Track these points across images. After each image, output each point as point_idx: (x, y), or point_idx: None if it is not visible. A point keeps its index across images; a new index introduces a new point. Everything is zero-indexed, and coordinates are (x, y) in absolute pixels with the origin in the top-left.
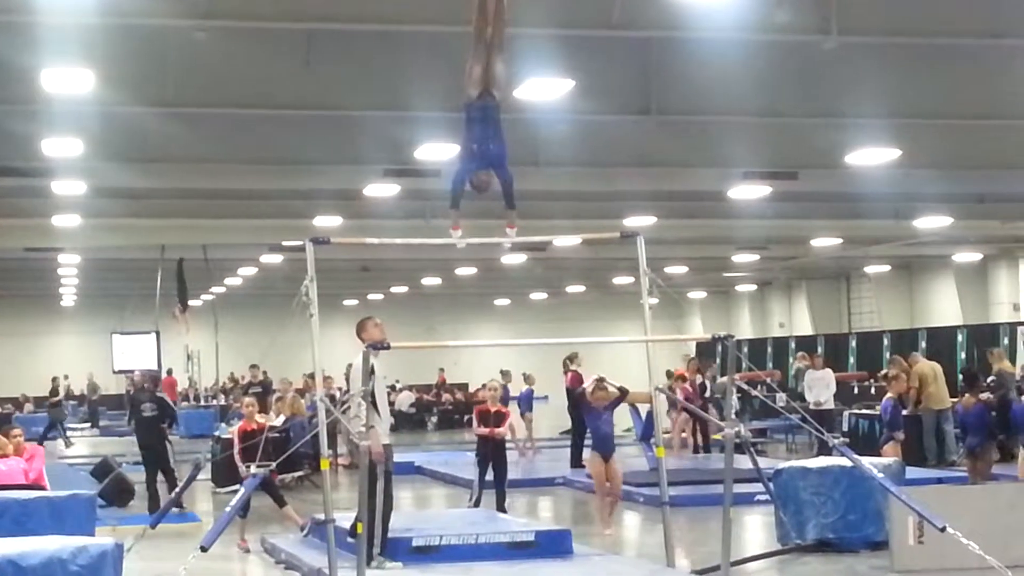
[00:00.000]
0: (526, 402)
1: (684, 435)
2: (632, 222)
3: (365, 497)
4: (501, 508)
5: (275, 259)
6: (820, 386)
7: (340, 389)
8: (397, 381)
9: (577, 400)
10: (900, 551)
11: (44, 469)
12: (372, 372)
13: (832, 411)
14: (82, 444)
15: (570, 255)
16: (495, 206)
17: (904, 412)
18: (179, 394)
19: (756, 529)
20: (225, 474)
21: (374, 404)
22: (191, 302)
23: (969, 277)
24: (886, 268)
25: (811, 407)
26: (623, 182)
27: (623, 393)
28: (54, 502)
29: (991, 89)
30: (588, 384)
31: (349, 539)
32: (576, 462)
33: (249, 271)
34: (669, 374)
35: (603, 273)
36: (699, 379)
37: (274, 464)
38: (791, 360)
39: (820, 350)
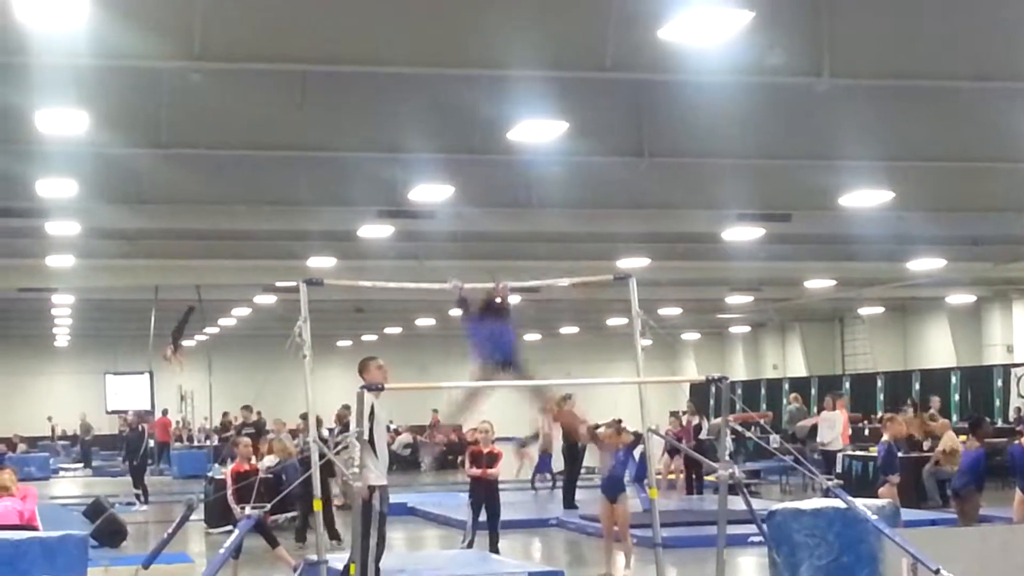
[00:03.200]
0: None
1: (671, 477)
2: (625, 264)
3: (359, 538)
4: (494, 549)
5: (269, 300)
6: (825, 427)
7: (330, 430)
8: (392, 422)
9: (589, 439)
10: None
11: (36, 509)
12: (372, 413)
13: (837, 452)
14: (74, 484)
15: (563, 297)
16: (489, 249)
17: (899, 454)
18: (172, 434)
19: (750, 571)
20: (218, 515)
21: (372, 445)
22: (184, 342)
23: (963, 319)
24: (880, 310)
25: (819, 447)
26: (616, 224)
27: (638, 438)
28: (46, 542)
29: (984, 131)
30: (603, 426)
31: None
32: (569, 503)
33: (243, 312)
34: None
35: (596, 315)
36: (694, 421)
37: (268, 506)
38: (785, 401)
39: (814, 392)
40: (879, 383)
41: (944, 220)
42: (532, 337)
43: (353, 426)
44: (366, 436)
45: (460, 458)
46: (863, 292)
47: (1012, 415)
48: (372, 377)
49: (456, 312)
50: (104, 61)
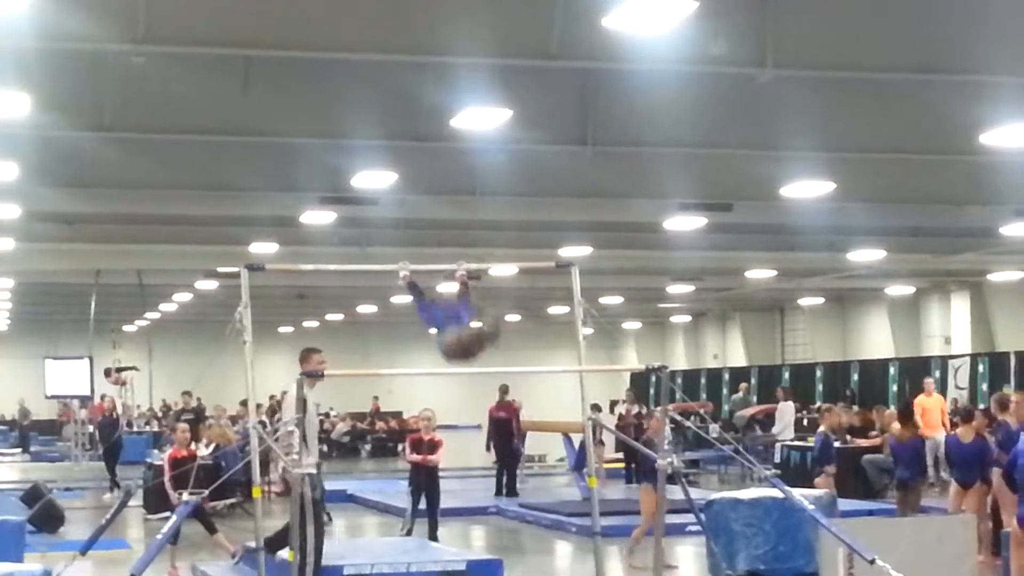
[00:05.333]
0: None
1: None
2: (568, 252)
3: (295, 527)
4: (433, 537)
5: (210, 285)
6: (778, 417)
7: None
8: (331, 409)
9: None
10: None
11: None
12: (305, 402)
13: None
14: (12, 469)
15: (506, 284)
16: (432, 236)
17: (836, 444)
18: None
19: (688, 560)
20: (156, 501)
21: (303, 435)
22: (125, 327)
23: (902, 310)
24: (820, 300)
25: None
26: (559, 212)
27: (677, 425)
28: None
29: (924, 124)
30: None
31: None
32: (500, 490)
33: (184, 297)
34: (596, 408)
35: (539, 303)
36: (635, 409)
37: (206, 492)
38: (725, 391)
39: (754, 381)
40: (818, 373)
41: (884, 212)
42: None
43: (289, 414)
44: (291, 426)
45: (400, 446)
46: (803, 282)
47: (949, 406)
48: (313, 368)
49: (402, 299)
50: (46, 43)
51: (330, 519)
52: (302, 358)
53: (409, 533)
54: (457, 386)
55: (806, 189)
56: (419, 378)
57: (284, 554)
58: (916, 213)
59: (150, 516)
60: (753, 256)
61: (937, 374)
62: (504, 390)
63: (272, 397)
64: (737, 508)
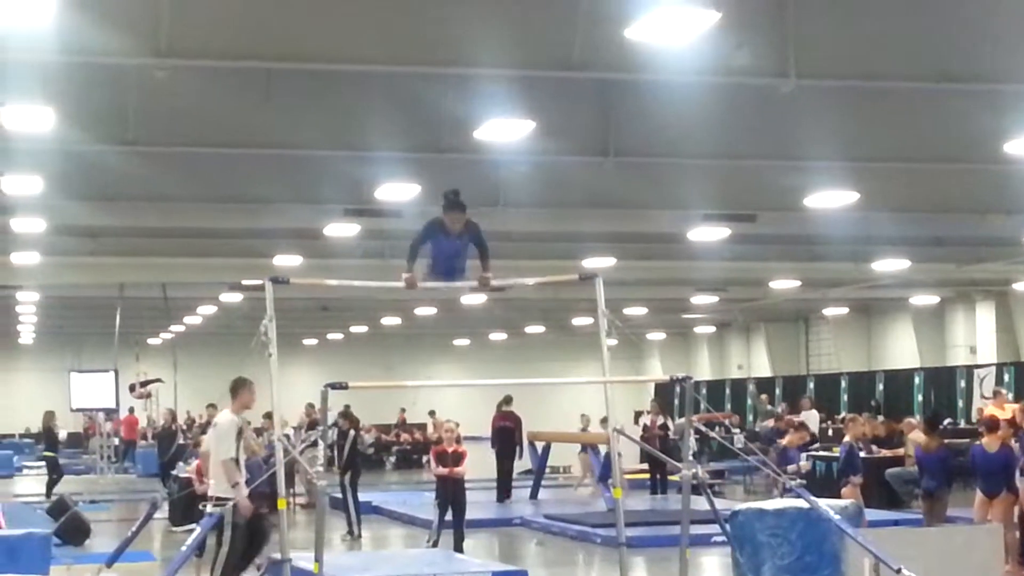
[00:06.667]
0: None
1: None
2: (591, 263)
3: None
4: (459, 548)
5: (235, 298)
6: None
7: (295, 428)
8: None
9: None
10: None
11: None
12: (240, 434)
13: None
14: (38, 482)
15: (529, 296)
16: None
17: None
18: (138, 432)
19: (713, 570)
20: (182, 513)
21: (237, 462)
22: (150, 340)
23: (926, 320)
24: (844, 311)
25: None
26: (583, 223)
27: (813, 437)
28: (8, 540)
29: (948, 133)
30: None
31: None
32: (501, 497)
33: (209, 310)
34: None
35: (562, 314)
36: (659, 420)
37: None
38: (749, 402)
39: (778, 392)
40: (843, 384)
41: (908, 221)
42: (498, 336)
43: (224, 446)
44: (232, 454)
45: (425, 457)
46: (828, 293)
47: (975, 416)
48: (244, 400)
49: (426, 311)
50: (70, 57)
51: (358, 534)
52: (239, 387)
53: (435, 544)
54: (481, 397)
55: (830, 199)
56: (443, 390)
57: (308, 565)
58: (940, 222)
59: (175, 528)
60: (777, 266)
61: (963, 384)
62: (507, 400)
63: (311, 404)
64: (763, 518)
